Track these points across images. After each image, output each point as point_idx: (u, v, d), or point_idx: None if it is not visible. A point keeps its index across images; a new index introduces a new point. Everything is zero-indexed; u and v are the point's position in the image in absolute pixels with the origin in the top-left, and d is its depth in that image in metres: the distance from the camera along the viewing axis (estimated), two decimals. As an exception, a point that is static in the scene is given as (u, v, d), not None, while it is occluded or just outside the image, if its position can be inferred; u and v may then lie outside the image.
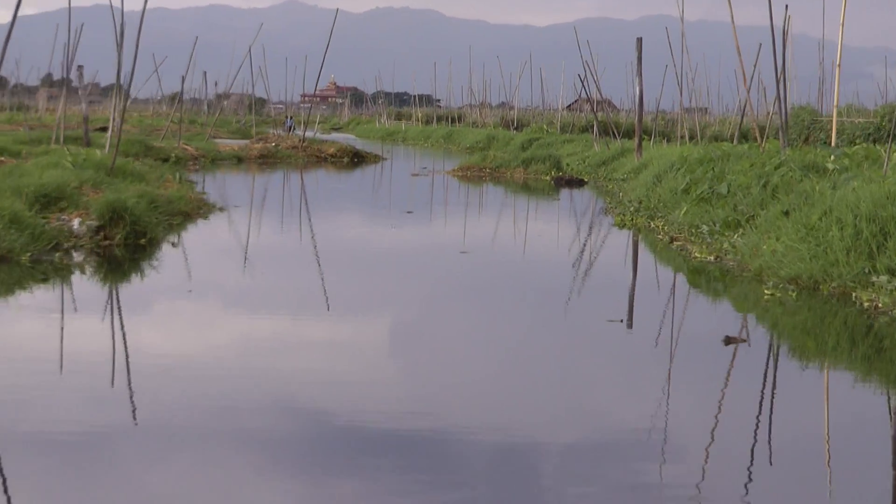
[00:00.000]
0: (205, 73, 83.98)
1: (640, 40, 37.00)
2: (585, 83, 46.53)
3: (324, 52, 50.50)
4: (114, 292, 13.93)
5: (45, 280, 14.25)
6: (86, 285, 14.27)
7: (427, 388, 9.44)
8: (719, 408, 8.81)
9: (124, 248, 16.74)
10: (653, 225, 22.31)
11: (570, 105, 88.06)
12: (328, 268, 16.43)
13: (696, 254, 17.74)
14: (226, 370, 9.72)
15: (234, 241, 19.62)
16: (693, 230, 19.62)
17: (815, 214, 15.46)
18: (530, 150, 57.41)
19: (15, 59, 75.27)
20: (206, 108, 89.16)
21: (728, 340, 10.97)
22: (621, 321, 12.32)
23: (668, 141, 55.83)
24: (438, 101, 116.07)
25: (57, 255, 15.79)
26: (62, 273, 14.74)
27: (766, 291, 13.99)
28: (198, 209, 22.31)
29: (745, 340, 11.18)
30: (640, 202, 25.05)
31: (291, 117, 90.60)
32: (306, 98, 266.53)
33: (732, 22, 28.44)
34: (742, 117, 39.51)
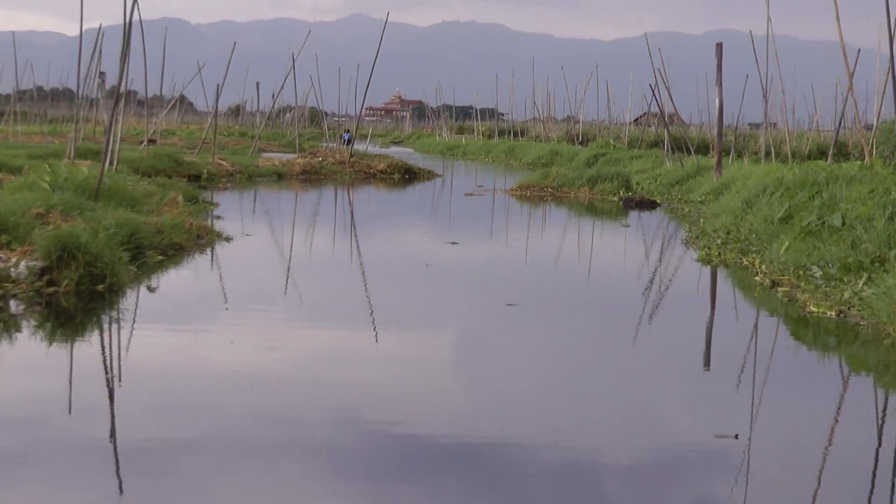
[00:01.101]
0: (257, 84, 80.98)
1: (720, 46, 33.06)
2: (657, 91, 42.53)
3: (373, 63, 46.72)
4: (35, 366, 10.26)
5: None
6: (6, 353, 10.64)
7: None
8: None
9: (76, 297, 13.07)
10: (746, 262, 18.40)
11: (636, 119, 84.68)
12: (335, 331, 12.62)
13: (812, 307, 13.76)
14: None
15: (225, 283, 15.76)
16: (801, 272, 15.62)
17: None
18: (596, 166, 53.78)
19: (83, 72, 72.51)
20: (257, 120, 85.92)
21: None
22: (735, 437, 8.31)
23: (740, 157, 51.98)
24: (503, 114, 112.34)
25: (-13, 306, 12.26)
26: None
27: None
28: (197, 240, 18.63)
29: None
30: (728, 232, 21.08)
31: (348, 130, 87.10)
32: (371, 111, 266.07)
33: (841, 37, 24.72)
34: (837, 132, 35.56)
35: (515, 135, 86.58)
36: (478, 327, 13.05)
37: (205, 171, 38.07)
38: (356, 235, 22.87)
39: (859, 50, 30.16)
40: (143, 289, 14.37)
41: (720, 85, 33.12)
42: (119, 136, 30.92)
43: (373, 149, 76.74)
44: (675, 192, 35.72)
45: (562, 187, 37.16)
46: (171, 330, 12.07)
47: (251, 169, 41.22)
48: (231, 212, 26.33)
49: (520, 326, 12.99)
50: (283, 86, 53.90)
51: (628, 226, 26.28)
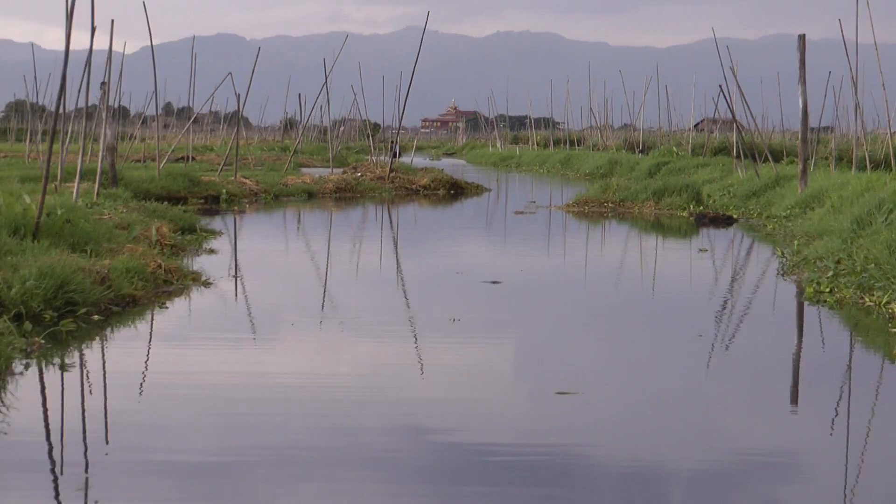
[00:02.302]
0: (299, 95, 77.11)
1: (802, 38, 28.79)
2: (726, 92, 38.19)
3: (412, 71, 42.69)
4: None
5: None
6: None
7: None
8: None
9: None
10: (868, 301, 14.15)
11: (696, 125, 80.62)
12: (305, 434, 8.57)
13: None
14: None
15: (150, 373, 10.60)
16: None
17: None
18: (659, 176, 49.64)
19: (129, 90, 70.56)
20: (300, 133, 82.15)
21: None
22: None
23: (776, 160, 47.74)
24: (559, 123, 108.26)
25: None
26: None
27: None
28: (161, 287, 14.56)
29: None
30: (839, 261, 16.74)
31: (396, 142, 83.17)
32: (426, 123, 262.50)
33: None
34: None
35: (571, 144, 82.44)
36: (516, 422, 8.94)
37: (223, 191, 34.17)
38: (367, 279, 18.45)
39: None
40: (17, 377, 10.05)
41: (804, 83, 28.82)
42: (114, 152, 27.28)
43: (421, 161, 73.19)
44: (752, 206, 31.44)
45: (624, 202, 32.98)
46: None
47: (278, 188, 37.25)
48: (230, 242, 22.31)
49: (583, 421, 8.86)
50: (323, 96, 49.55)
51: (706, 250, 21.95)
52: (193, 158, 51.92)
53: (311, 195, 37.65)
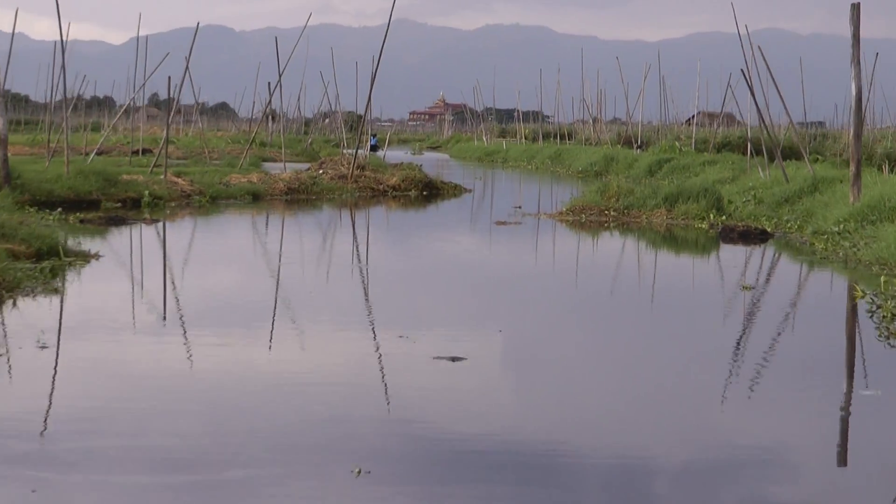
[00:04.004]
0: (269, 84, 71.18)
1: (856, 7, 22.89)
2: (751, 82, 32.38)
3: (378, 60, 36.89)
4: None
5: None
6: None
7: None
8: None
9: None
10: None
11: (688, 120, 75.40)
12: None
13: None
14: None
15: None
16: None
17: None
18: (661, 174, 44.07)
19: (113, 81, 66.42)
20: (269, 126, 76.10)
21: None
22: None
23: (817, 160, 42.42)
24: (548, 116, 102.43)
25: None
26: None
27: None
28: None
29: None
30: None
31: (375, 135, 77.42)
32: (414, 115, 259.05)
33: None
34: None
35: (562, 138, 76.53)
36: None
37: (146, 193, 28.31)
38: (236, 359, 12.05)
39: None
40: None
41: (858, 63, 22.96)
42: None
43: (401, 155, 67.34)
44: (785, 216, 25.64)
45: (629, 209, 27.19)
46: None
47: (216, 189, 31.30)
48: (99, 274, 16.35)
49: None
50: (303, 88, 43.68)
51: (751, 288, 15.96)
52: (150, 151, 46.15)
53: (257, 197, 31.75)
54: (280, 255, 19.96)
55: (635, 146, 57.31)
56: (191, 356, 10.80)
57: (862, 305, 13.88)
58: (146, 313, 13.36)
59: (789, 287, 16.82)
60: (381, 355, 10.91)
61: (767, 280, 17.40)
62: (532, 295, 15.64)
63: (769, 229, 23.62)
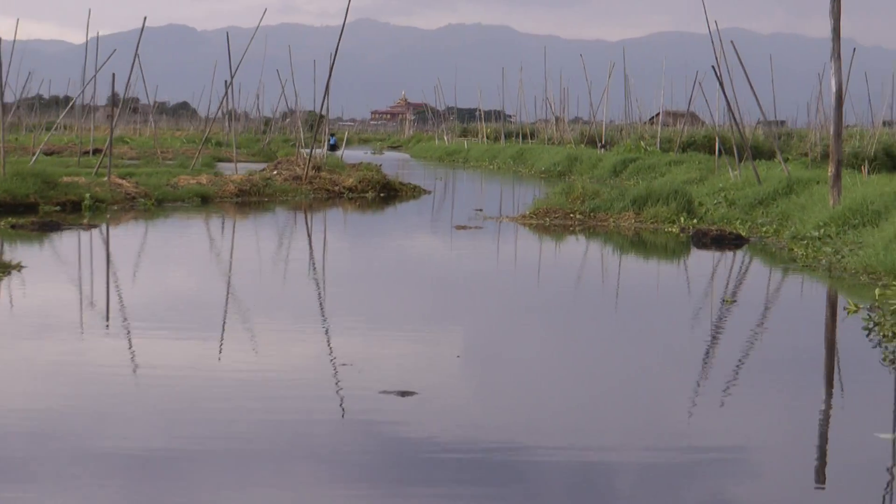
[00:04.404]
0: (225, 82, 69.73)
1: (837, 2, 21.65)
2: (722, 80, 31.17)
3: (333, 58, 35.48)
4: None
5: None
6: None
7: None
8: None
9: None
10: None
11: (651, 119, 74.37)
12: None
13: None
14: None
15: None
16: None
17: None
18: (626, 174, 42.95)
19: (69, 79, 65.65)
20: (226, 125, 74.56)
21: None
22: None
23: (769, 158, 41.57)
24: (510, 116, 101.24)
25: None
26: None
27: None
28: None
29: None
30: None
31: (334, 134, 75.97)
32: (376, 115, 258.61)
33: None
34: None
35: (524, 137, 75.23)
36: None
37: (87, 195, 26.80)
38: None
39: None
40: None
41: (838, 58, 21.70)
42: None
43: (361, 155, 65.98)
44: (759, 219, 24.41)
45: (595, 212, 25.89)
46: None
47: (163, 191, 29.80)
48: (17, 287, 14.91)
49: None
50: (262, 87, 42.23)
51: (733, 301, 14.60)
52: (98, 151, 44.57)
53: (206, 200, 30.26)
54: (214, 265, 18.52)
55: (599, 146, 56.05)
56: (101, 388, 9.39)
57: (855, 321, 12.60)
58: (65, 332, 11.91)
59: (773, 300, 15.45)
60: (315, 394, 9.49)
61: (741, 288, 16.07)
62: (493, 309, 14.29)
63: (744, 234, 22.34)
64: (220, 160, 50.08)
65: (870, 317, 12.37)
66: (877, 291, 13.58)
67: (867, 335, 11.74)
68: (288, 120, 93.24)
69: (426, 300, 14.83)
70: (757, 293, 15.84)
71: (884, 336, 11.46)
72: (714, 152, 41.13)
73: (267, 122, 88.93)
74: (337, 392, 9.32)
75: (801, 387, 9.90)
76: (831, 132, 22.04)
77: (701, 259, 19.84)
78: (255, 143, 70.67)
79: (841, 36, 21.55)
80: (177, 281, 16.48)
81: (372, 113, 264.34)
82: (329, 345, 11.42)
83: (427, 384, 9.49)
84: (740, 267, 18.99)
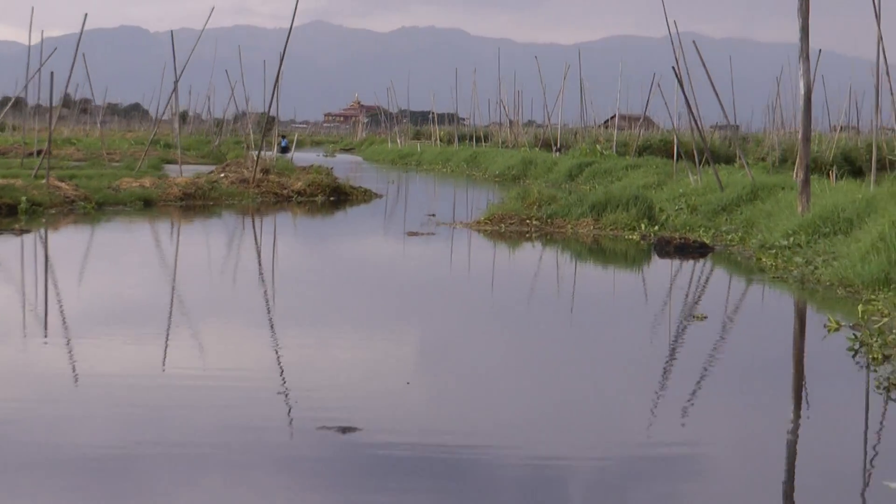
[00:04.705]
0: (173, 80, 68.41)
1: (805, 1, 20.76)
2: (680, 79, 30.31)
3: (281, 56, 34.41)
4: None
5: None
6: None
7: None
8: None
9: None
10: None
11: (605, 122, 73.83)
12: None
13: None
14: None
15: None
16: None
17: None
18: (582, 179, 42.11)
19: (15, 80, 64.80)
20: (175, 126, 73.15)
21: None
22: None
23: (727, 162, 41.21)
24: (463, 119, 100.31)
25: None
26: None
27: None
28: None
29: None
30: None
31: (285, 136, 74.89)
32: (330, 117, 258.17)
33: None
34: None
35: (478, 140, 74.25)
36: None
37: (23, 199, 25.58)
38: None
39: None
40: None
41: (807, 58, 20.80)
42: None
43: (312, 157, 64.85)
44: (723, 226, 23.52)
45: (553, 218, 24.93)
46: None
47: (104, 194, 28.60)
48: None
49: None
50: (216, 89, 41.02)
51: (703, 317, 13.60)
52: (40, 152, 43.16)
53: (149, 203, 29.08)
54: (147, 272, 17.39)
55: (554, 149, 55.14)
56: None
57: (837, 339, 11.66)
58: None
59: (745, 315, 14.48)
60: (245, 426, 8.42)
61: (709, 301, 15.07)
62: (444, 323, 13.25)
63: (708, 241, 21.41)
64: (169, 162, 48.86)
65: (855, 336, 11.42)
66: (860, 308, 12.61)
67: (853, 356, 10.80)
68: (240, 122, 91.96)
69: (373, 314, 13.76)
70: (727, 307, 14.86)
71: (873, 359, 10.51)
72: (671, 156, 40.41)
73: (219, 123, 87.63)
74: (272, 427, 8.25)
75: (783, 413, 8.91)
76: (799, 136, 21.08)
77: (664, 269, 18.90)
78: (205, 145, 69.42)
79: (809, 35, 20.65)
80: (108, 288, 15.33)
81: (325, 115, 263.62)
82: (265, 367, 10.34)
83: (371, 417, 8.44)
84: (707, 278, 18.05)
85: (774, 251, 19.00)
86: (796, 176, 20.87)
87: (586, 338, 12.44)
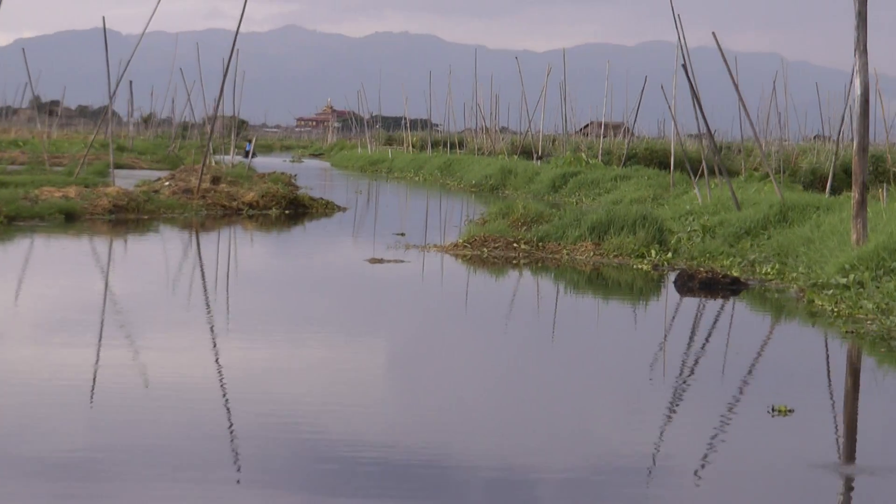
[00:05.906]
0: (130, 82, 64.50)
1: (858, -22, 16.74)
2: (693, 82, 26.36)
3: (228, 60, 30.41)
4: None
5: None
6: None
7: None
8: None
9: None
10: None
11: (581, 129, 70.50)
12: None
13: None
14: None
15: None
16: None
17: None
18: (567, 190, 38.26)
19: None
20: (130, 129, 69.07)
21: None
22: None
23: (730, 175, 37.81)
24: (437, 125, 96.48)
25: None
26: None
27: None
28: None
29: None
30: None
31: (251, 140, 70.91)
32: (302, 122, 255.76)
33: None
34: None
35: (452, 147, 70.14)
36: None
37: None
38: None
39: None
40: None
41: (864, 52, 16.78)
42: None
43: (279, 163, 61.02)
44: (750, 254, 19.48)
45: (544, 241, 20.87)
46: None
47: (17, 205, 24.37)
48: None
49: None
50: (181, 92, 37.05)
51: (788, 411, 9.38)
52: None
53: (71, 217, 24.89)
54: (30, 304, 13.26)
55: (535, 157, 51.06)
56: None
57: None
58: None
59: (841, 402, 10.41)
60: None
61: (767, 371, 11.05)
62: (412, 403, 9.21)
63: (738, 275, 17.39)
64: (121, 167, 44.79)
65: None
66: None
67: None
68: (209, 127, 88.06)
69: (311, 399, 9.71)
70: (813, 386, 10.74)
71: None
72: (659, 166, 37.12)
73: (185, 127, 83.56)
74: None
75: None
76: (854, 146, 16.96)
77: (690, 312, 14.90)
78: (161, 149, 65.20)
79: (867, 23, 16.69)
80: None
81: (297, 120, 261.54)
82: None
83: None
84: (757, 330, 13.96)
85: (831, 291, 14.97)
86: (854, 197, 16.73)
87: (615, 439, 8.38)
